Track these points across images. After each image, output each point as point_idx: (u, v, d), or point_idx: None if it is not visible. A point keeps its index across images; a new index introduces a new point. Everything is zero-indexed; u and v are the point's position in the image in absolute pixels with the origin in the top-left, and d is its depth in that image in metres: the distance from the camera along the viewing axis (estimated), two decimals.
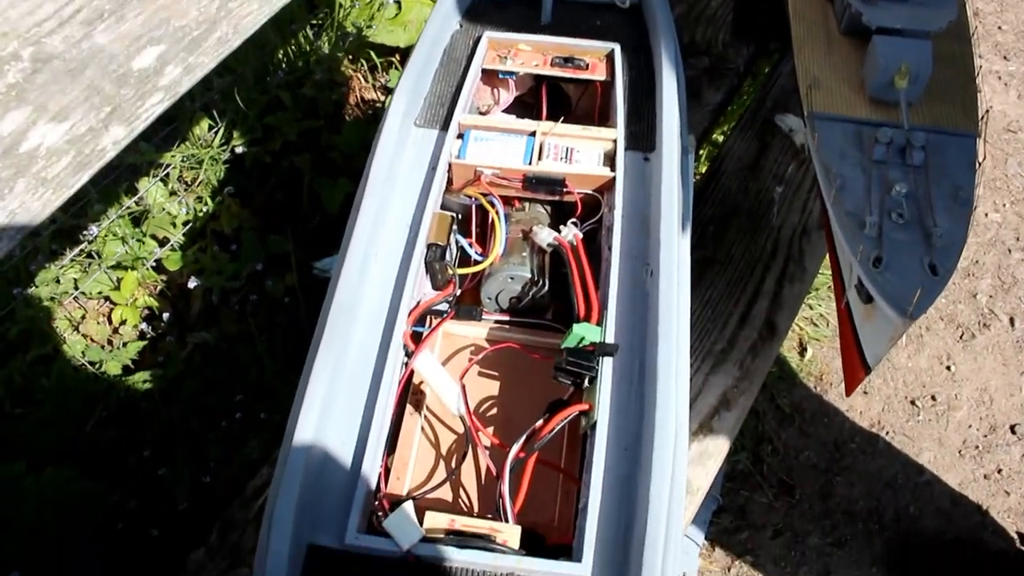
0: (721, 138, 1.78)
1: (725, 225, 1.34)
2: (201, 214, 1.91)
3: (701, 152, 1.80)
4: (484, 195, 1.01)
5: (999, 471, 1.97)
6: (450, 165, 1.02)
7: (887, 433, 2.02)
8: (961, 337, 2.16)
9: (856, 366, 1.05)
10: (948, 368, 2.11)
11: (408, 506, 0.79)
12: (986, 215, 2.35)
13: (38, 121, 0.77)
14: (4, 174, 0.77)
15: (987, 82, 2.56)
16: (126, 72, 0.87)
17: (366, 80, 2.16)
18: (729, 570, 1.86)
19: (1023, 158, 2.45)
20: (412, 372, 0.92)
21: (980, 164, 1.02)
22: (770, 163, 1.41)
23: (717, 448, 1.17)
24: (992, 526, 1.90)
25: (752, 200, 1.36)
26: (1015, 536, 1.89)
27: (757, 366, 1.21)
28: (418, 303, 0.95)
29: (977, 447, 2.00)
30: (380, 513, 0.79)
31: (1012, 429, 2.02)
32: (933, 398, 2.06)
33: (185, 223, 1.90)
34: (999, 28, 2.82)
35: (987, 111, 1.06)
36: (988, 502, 1.93)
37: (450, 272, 0.97)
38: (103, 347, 1.77)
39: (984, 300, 2.21)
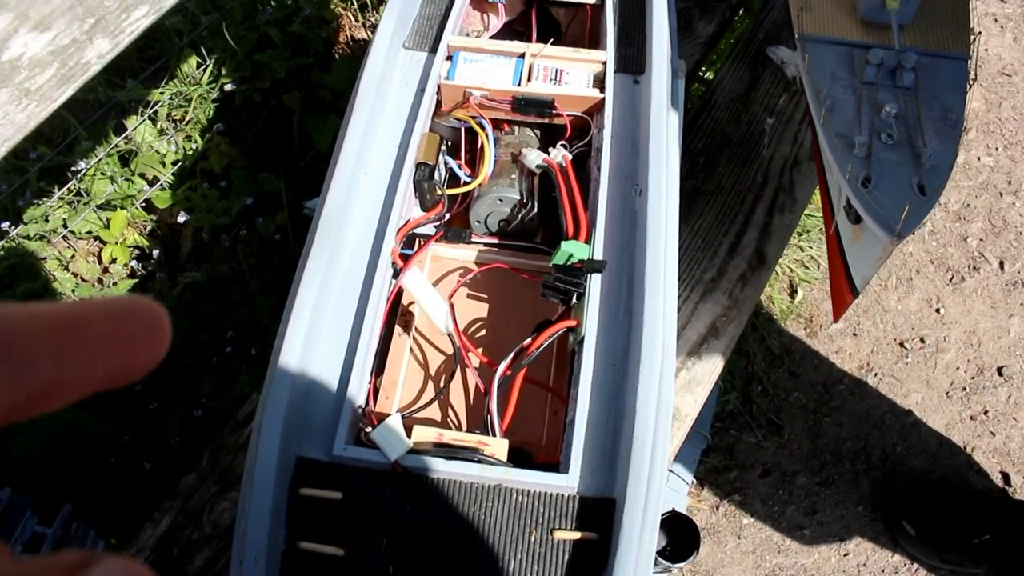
0: (711, 75, 1.77)
1: (715, 156, 1.33)
2: (190, 153, 1.89)
3: (693, 93, 1.79)
4: (473, 117, 1.01)
5: (985, 412, 1.98)
6: (439, 87, 1.01)
7: (875, 375, 2.03)
8: (951, 280, 2.16)
9: (844, 290, 1.05)
10: (937, 311, 2.12)
11: (396, 418, 0.79)
12: (978, 159, 2.34)
13: (20, 29, 0.76)
14: None
15: (983, 24, 2.54)
16: None
17: (356, 19, 2.13)
18: (717, 508, 1.88)
19: (1017, 101, 2.43)
20: (400, 292, 0.92)
21: (971, 86, 1.01)
22: (761, 95, 1.40)
23: (706, 375, 1.17)
24: (977, 466, 1.92)
25: (743, 131, 1.36)
26: (999, 476, 1.91)
27: (746, 295, 1.22)
28: (407, 222, 0.94)
29: (964, 389, 2.01)
30: (368, 428, 0.80)
31: (999, 371, 2.03)
32: (922, 340, 2.08)
33: (174, 162, 1.88)
34: None
35: (979, 34, 1.05)
36: (974, 443, 1.95)
37: (439, 192, 0.96)
38: (93, 286, 1.77)
39: (975, 243, 2.21)
